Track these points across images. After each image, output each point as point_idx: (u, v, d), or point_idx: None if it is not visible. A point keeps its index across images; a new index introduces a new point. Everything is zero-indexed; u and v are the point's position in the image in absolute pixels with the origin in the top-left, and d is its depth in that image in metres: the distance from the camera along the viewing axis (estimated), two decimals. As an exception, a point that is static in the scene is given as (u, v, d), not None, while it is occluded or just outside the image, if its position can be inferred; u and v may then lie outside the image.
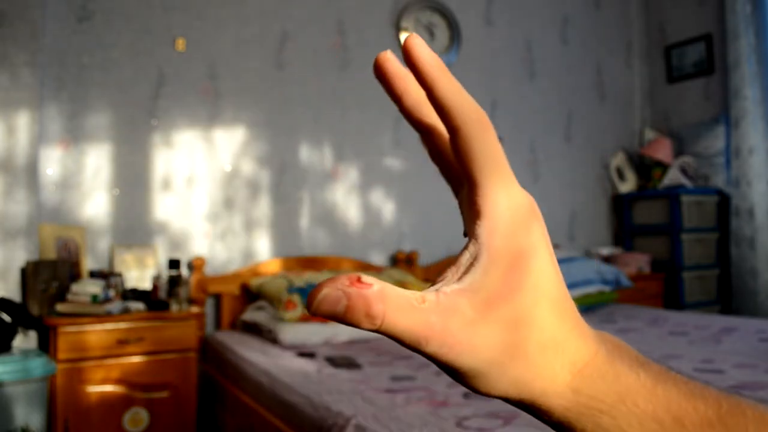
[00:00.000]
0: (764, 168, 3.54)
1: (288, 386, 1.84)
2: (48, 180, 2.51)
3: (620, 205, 4.06)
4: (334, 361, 2.10)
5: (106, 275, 2.40)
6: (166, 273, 2.60)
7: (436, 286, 0.24)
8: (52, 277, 2.27)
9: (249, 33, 2.97)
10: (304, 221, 3.08)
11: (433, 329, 0.22)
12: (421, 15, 3.41)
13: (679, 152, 3.99)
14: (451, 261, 0.25)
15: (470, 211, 0.25)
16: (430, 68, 0.23)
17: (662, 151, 3.87)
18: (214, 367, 2.54)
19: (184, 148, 2.81)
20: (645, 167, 4.10)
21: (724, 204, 3.77)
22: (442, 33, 3.47)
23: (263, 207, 2.98)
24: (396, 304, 0.22)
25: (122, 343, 2.23)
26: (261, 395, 1.99)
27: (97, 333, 2.20)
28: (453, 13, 3.49)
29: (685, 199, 3.64)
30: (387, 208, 3.31)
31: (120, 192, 2.67)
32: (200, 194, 2.83)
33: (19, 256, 2.29)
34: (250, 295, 2.83)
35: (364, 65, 3.24)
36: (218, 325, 2.85)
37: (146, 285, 2.58)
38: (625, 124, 4.25)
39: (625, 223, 4.01)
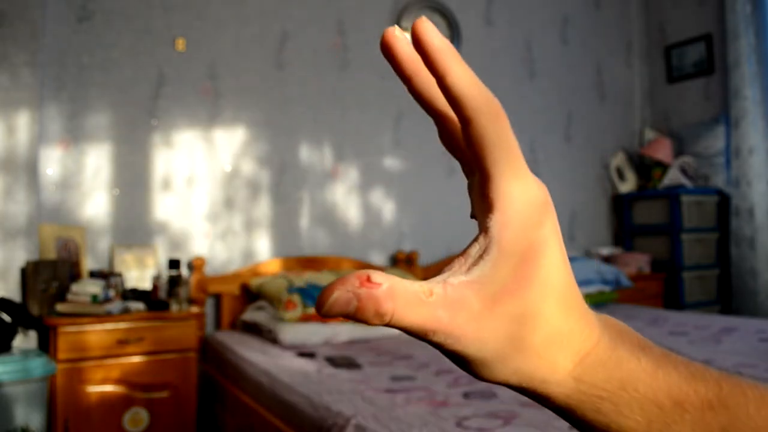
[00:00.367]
0: (764, 168, 3.54)
1: (288, 386, 1.84)
2: (48, 180, 2.51)
3: (620, 205, 4.06)
4: (334, 361, 2.10)
5: (106, 275, 2.40)
6: (166, 273, 2.60)
7: (444, 276, 0.24)
8: (52, 277, 2.27)
9: (249, 33, 2.97)
10: (304, 221, 3.08)
11: (441, 322, 0.22)
12: (421, 15, 3.40)
13: (679, 152, 3.99)
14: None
15: (482, 203, 0.24)
16: (442, 55, 0.22)
17: (662, 151, 3.87)
18: (214, 367, 2.54)
19: (184, 148, 2.81)
20: (645, 167, 4.10)
21: (724, 204, 3.77)
22: (442, 33, 3.43)
23: (263, 207, 2.98)
24: (404, 300, 0.22)
25: (122, 343, 2.23)
26: (261, 395, 1.99)
27: (97, 333, 2.20)
28: (453, 13, 3.49)
29: (685, 199, 3.64)
30: (387, 208, 3.31)
31: (120, 192, 2.67)
32: (200, 194, 2.83)
33: (19, 256, 2.29)
34: (250, 295, 2.83)
35: (364, 65, 3.24)
36: (218, 325, 2.85)
37: (146, 285, 2.58)
38: (625, 124, 4.25)
39: (625, 223, 4.01)
